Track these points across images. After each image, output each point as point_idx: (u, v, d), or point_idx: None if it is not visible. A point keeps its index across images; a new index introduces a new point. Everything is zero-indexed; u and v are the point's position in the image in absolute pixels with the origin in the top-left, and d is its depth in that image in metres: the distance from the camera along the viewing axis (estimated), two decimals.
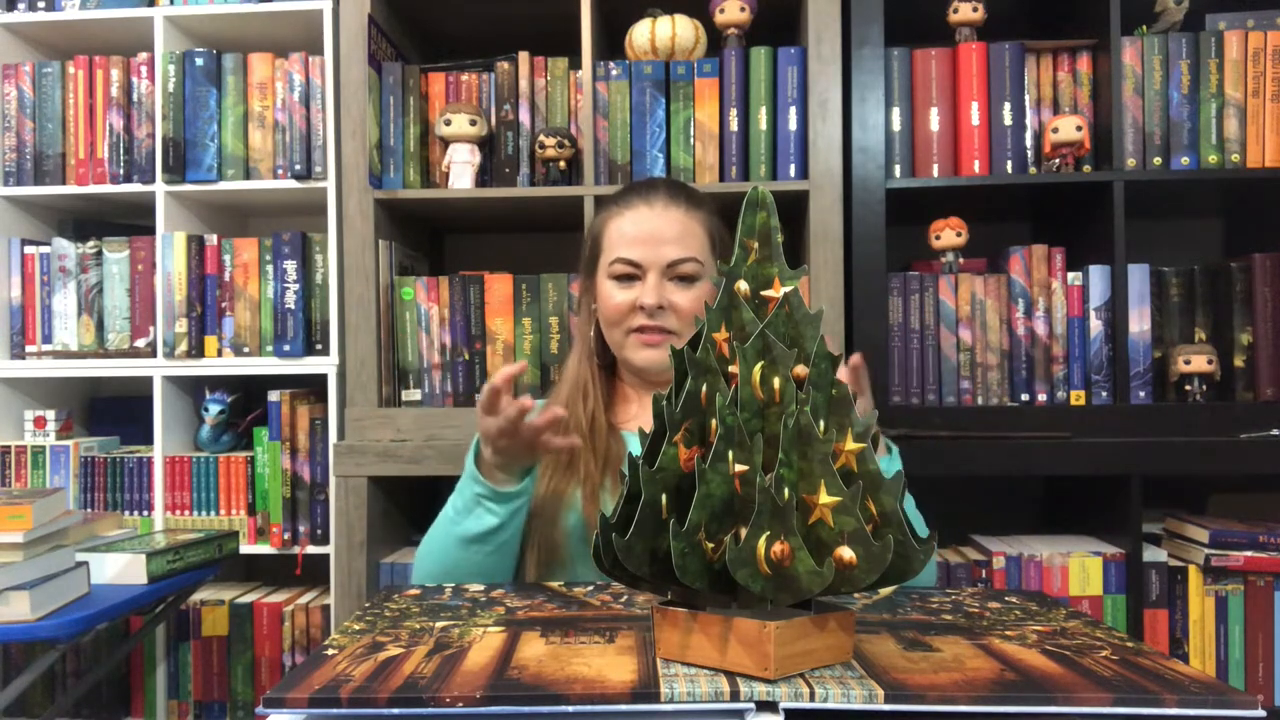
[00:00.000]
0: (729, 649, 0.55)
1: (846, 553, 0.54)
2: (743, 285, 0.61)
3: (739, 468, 0.56)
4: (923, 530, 0.83)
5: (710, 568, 0.56)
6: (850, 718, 0.52)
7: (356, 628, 0.68)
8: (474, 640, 0.63)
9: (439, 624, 0.69)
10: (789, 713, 0.52)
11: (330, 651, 0.62)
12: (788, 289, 0.60)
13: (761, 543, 0.54)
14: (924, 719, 0.51)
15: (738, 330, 0.60)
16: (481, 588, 0.85)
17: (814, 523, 0.55)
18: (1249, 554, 1.44)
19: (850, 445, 0.56)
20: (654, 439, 0.60)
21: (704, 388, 0.59)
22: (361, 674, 0.56)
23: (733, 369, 0.58)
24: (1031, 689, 0.52)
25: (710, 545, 0.56)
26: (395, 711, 0.52)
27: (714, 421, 0.57)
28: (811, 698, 0.52)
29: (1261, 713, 0.51)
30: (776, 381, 0.57)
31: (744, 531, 0.55)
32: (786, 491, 0.54)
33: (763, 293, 0.61)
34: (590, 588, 0.82)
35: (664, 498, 0.57)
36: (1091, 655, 0.60)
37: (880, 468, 0.57)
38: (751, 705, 0.52)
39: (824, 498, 0.54)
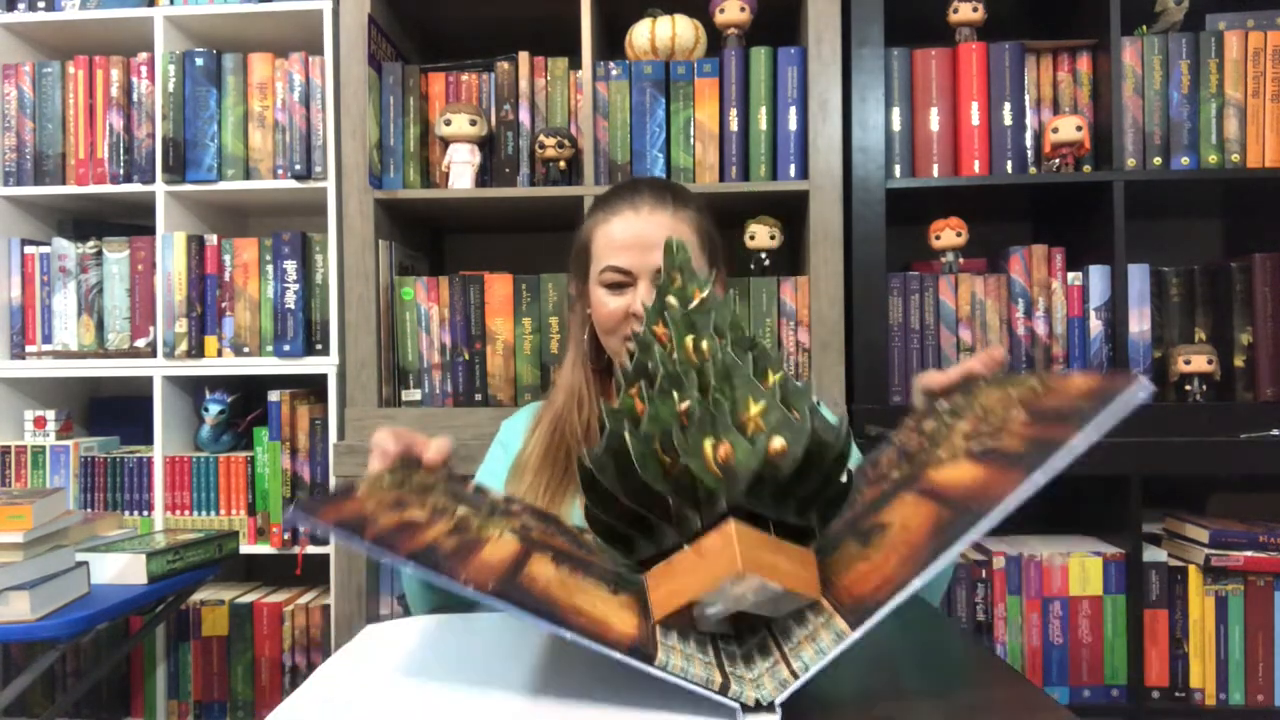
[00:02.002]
0: (701, 567, 0.57)
1: (777, 441, 0.59)
2: (671, 300, 0.74)
3: (682, 405, 0.62)
4: None
5: (668, 477, 0.61)
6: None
7: (386, 482, 0.69)
8: (490, 538, 0.63)
9: (460, 510, 0.68)
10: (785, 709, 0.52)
11: (360, 493, 0.63)
12: (704, 294, 0.74)
13: (707, 444, 0.59)
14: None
15: (671, 319, 0.72)
16: (502, 495, 0.84)
17: (751, 434, 0.61)
18: (1249, 554, 1.44)
19: (771, 376, 0.65)
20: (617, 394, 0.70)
21: (649, 360, 0.69)
22: (386, 524, 0.57)
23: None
24: (960, 517, 0.51)
25: (666, 459, 0.61)
26: (409, 569, 0.52)
27: (659, 374, 0.65)
28: (794, 675, 0.52)
29: (1145, 391, 0.51)
30: (705, 344, 0.67)
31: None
32: (722, 407, 0.61)
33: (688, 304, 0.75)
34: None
35: (626, 432, 0.62)
36: (1008, 430, 0.58)
37: (798, 388, 0.64)
38: (737, 706, 0.51)
39: (752, 409, 0.61)
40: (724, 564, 0.55)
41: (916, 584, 0.49)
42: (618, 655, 0.51)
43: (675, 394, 0.63)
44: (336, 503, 0.58)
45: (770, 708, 0.52)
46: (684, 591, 0.57)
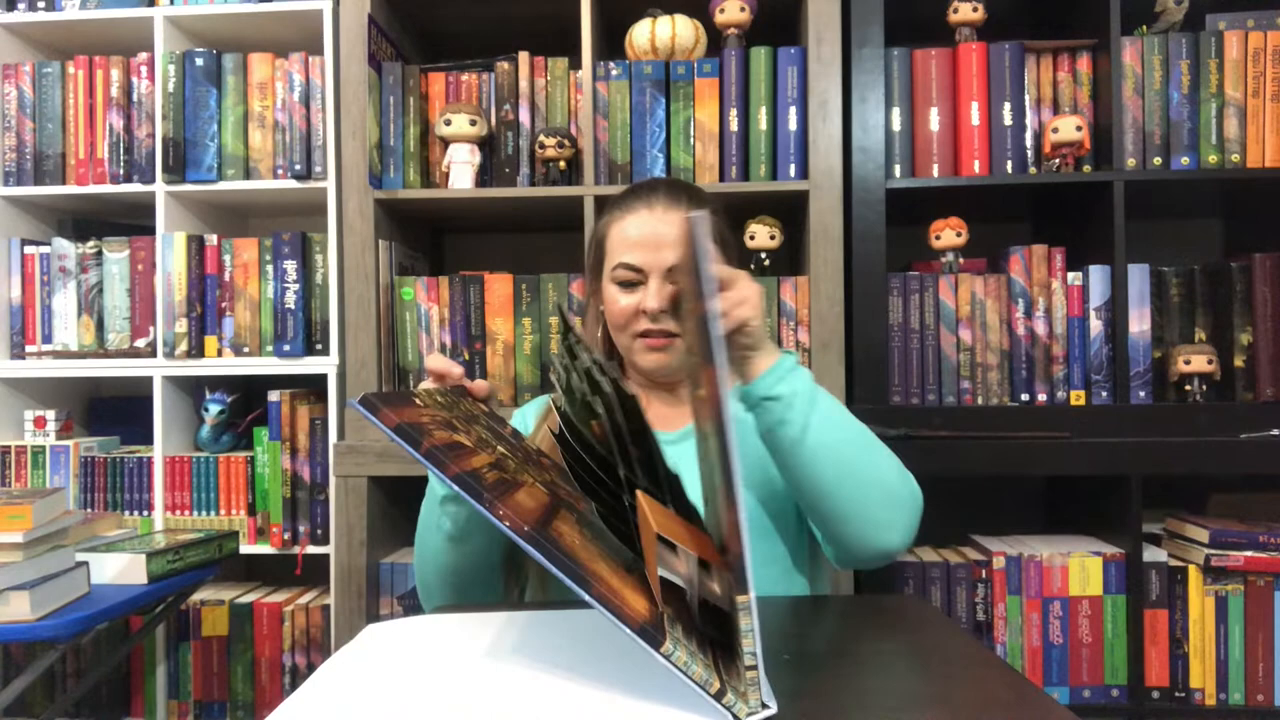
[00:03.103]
0: (647, 538, 0.59)
1: (594, 424, 0.68)
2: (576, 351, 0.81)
3: (594, 423, 0.70)
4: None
5: (594, 444, 0.67)
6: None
7: (440, 399, 0.70)
8: (525, 483, 0.64)
9: (500, 448, 0.69)
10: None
11: (417, 402, 0.63)
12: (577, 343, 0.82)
13: (593, 425, 0.69)
14: None
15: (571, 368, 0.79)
16: (535, 447, 0.86)
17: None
18: (1249, 554, 1.44)
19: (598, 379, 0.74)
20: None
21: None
22: (440, 439, 0.57)
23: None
24: (719, 426, 0.53)
25: (587, 432, 0.67)
26: (456, 487, 0.53)
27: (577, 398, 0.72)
28: (752, 668, 0.51)
29: (703, 216, 0.59)
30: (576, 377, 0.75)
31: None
32: (589, 409, 0.68)
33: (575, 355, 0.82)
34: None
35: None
36: (692, 318, 0.68)
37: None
38: (730, 716, 0.51)
39: (598, 406, 0.68)
40: (648, 534, 0.57)
41: (741, 516, 0.50)
42: (629, 631, 0.51)
43: (586, 414, 0.72)
44: (397, 405, 0.58)
45: (763, 707, 0.52)
46: (650, 565, 0.59)
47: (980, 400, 1.52)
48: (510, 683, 0.60)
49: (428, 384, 0.85)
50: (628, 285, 1.05)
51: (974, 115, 1.53)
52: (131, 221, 1.91)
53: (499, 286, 1.57)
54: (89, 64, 1.78)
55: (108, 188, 1.76)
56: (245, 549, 1.70)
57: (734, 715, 0.51)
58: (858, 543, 0.90)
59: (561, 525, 0.59)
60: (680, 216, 1.07)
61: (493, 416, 0.82)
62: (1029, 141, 1.56)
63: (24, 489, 1.70)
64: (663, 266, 1.04)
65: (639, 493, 0.60)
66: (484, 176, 1.62)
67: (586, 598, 0.51)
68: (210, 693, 1.72)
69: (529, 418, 1.18)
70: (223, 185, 1.73)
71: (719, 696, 0.52)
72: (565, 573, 0.51)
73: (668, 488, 0.64)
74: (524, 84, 1.61)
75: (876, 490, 0.89)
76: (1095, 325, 1.51)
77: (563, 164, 1.56)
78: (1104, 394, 1.50)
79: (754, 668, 0.52)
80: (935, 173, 1.54)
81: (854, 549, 0.91)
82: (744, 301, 0.86)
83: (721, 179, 1.55)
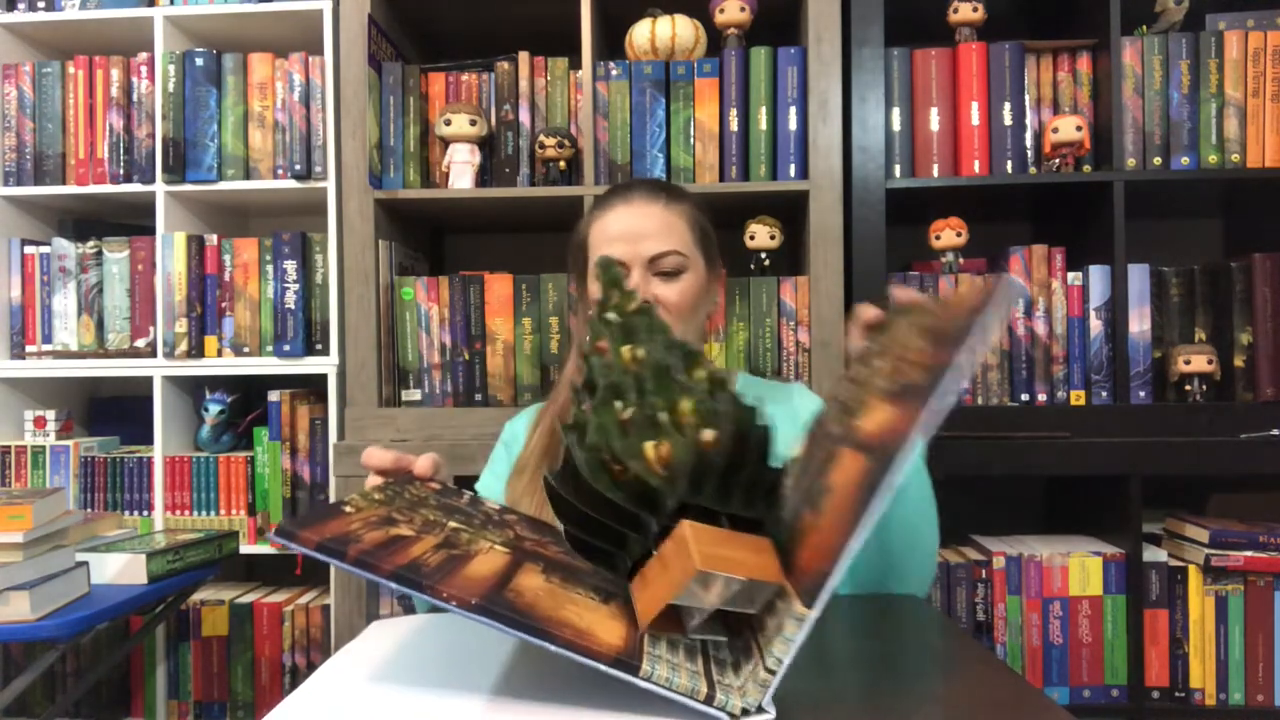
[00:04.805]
0: (665, 571, 0.58)
1: (707, 433, 0.60)
2: (611, 315, 0.75)
3: (625, 414, 0.63)
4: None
5: (619, 484, 0.62)
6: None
7: (377, 497, 0.69)
8: (479, 551, 0.63)
9: (451, 524, 0.68)
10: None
11: (348, 509, 0.62)
12: (637, 303, 0.77)
13: (648, 446, 0.61)
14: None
15: (610, 332, 0.74)
16: (497, 506, 0.84)
17: (684, 429, 0.63)
18: (1249, 554, 1.44)
19: (698, 373, 0.66)
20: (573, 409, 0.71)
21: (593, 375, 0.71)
22: (371, 541, 0.56)
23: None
24: (879, 463, 0.49)
25: (616, 467, 0.62)
26: (392, 586, 0.52)
27: (600, 384, 0.67)
28: (772, 672, 0.51)
29: (1018, 285, 0.50)
30: (640, 353, 0.69)
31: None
32: (657, 408, 0.62)
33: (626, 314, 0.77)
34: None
35: (574, 445, 0.64)
36: (914, 361, 0.57)
37: (720, 379, 0.66)
38: (724, 716, 0.51)
39: (684, 405, 0.62)
40: (684, 566, 0.56)
41: (854, 545, 0.48)
42: (601, 667, 0.51)
43: (616, 403, 0.65)
44: (320, 521, 0.57)
45: (759, 710, 0.52)
46: (657, 598, 0.57)
47: (980, 400, 1.52)
48: (513, 682, 0.60)
49: (373, 479, 0.80)
50: None
51: (974, 115, 1.53)
52: (131, 221, 1.91)
53: (499, 286, 1.57)
54: (89, 64, 1.78)
55: (108, 188, 1.76)
56: (245, 549, 1.70)
57: (728, 714, 0.51)
58: (879, 584, 0.92)
59: (524, 580, 0.59)
60: (659, 208, 1.07)
61: (444, 491, 0.80)
62: (1029, 141, 1.56)
63: (24, 489, 1.70)
64: (644, 257, 1.04)
65: (686, 524, 0.58)
66: (484, 176, 1.62)
67: (552, 649, 0.51)
68: (210, 693, 1.72)
69: (519, 429, 1.18)
70: (223, 185, 1.73)
71: (709, 700, 0.52)
72: (523, 631, 0.51)
73: (763, 499, 0.63)
74: (524, 84, 1.61)
75: (922, 546, 0.93)
76: (1095, 325, 1.51)
77: (563, 164, 1.56)
78: (1104, 394, 1.50)
79: (773, 672, 0.51)
80: (935, 173, 1.54)
81: (872, 586, 0.93)
82: None
83: (721, 179, 1.55)
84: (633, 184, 1.12)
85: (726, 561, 0.56)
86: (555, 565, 0.66)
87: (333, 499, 1.64)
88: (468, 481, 1.24)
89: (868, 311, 0.79)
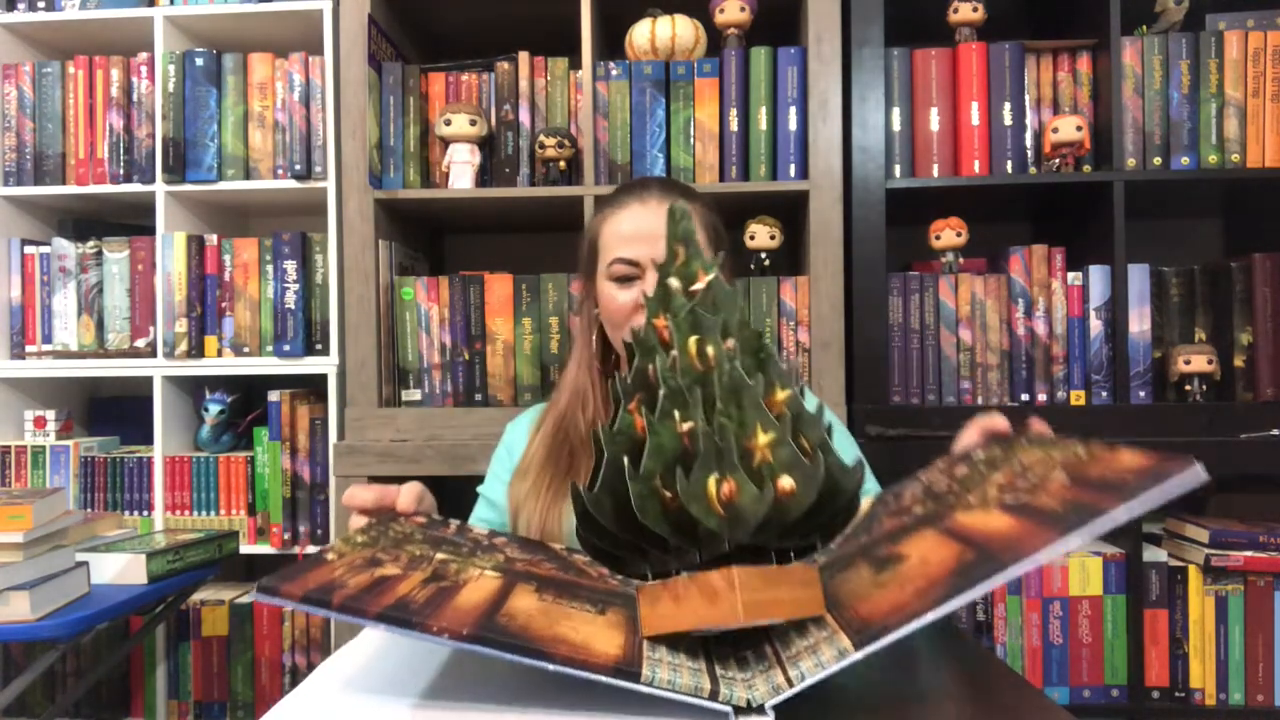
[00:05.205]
0: (700, 606, 0.57)
1: (786, 481, 0.57)
2: (674, 282, 0.67)
3: (684, 425, 0.60)
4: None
5: (669, 515, 0.59)
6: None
7: (360, 539, 0.68)
8: (469, 579, 0.63)
9: (439, 555, 0.68)
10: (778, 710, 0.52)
11: (330, 557, 0.62)
12: (710, 277, 0.67)
13: (710, 482, 0.57)
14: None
15: (673, 314, 0.66)
16: (485, 530, 0.84)
17: (757, 465, 0.59)
18: (1249, 554, 1.44)
19: (780, 395, 0.61)
20: (614, 410, 0.65)
21: (650, 365, 0.64)
22: (356, 585, 0.56)
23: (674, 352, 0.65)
24: (986, 562, 0.52)
25: (667, 494, 0.59)
26: (381, 627, 0.52)
27: (660, 391, 0.62)
28: (789, 683, 0.52)
29: (1202, 475, 0.50)
30: (710, 350, 0.63)
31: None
32: (727, 435, 0.58)
33: (691, 287, 0.68)
34: (589, 557, 0.81)
35: (625, 459, 0.60)
36: (1046, 489, 0.58)
37: (808, 409, 0.62)
38: (729, 709, 0.51)
39: (760, 438, 0.59)
40: (725, 608, 0.55)
41: (930, 617, 0.51)
42: (601, 678, 0.51)
43: (677, 414, 0.60)
44: (302, 574, 0.57)
45: (760, 709, 0.52)
46: (679, 621, 0.57)
47: (980, 400, 1.52)
48: (513, 682, 0.59)
49: (356, 520, 0.79)
50: (624, 280, 1.05)
51: (974, 115, 1.53)
52: (131, 221, 1.91)
53: (499, 286, 1.57)
54: (89, 64, 1.78)
55: (108, 188, 1.76)
56: (245, 549, 1.70)
57: (732, 706, 0.52)
58: None
59: (517, 602, 0.59)
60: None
61: (430, 524, 0.79)
62: (1029, 141, 1.56)
63: (24, 489, 1.70)
64: (660, 258, 1.03)
65: (735, 571, 0.56)
66: (484, 176, 1.62)
67: (550, 668, 0.51)
68: (210, 693, 1.72)
69: (523, 425, 1.17)
70: (223, 185, 1.73)
71: (713, 696, 0.52)
72: (517, 654, 0.52)
73: (824, 538, 0.62)
74: (524, 84, 1.61)
75: None
76: (1095, 325, 1.51)
77: (563, 164, 1.56)
78: (1104, 394, 1.50)
79: (792, 684, 0.52)
80: (935, 173, 1.54)
81: None
82: None
83: (721, 179, 1.55)
84: (647, 182, 1.11)
85: (770, 605, 0.56)
86: (549, 583, 0.66)
87: (333, 499, 1.64)
88: (468, 482, 1.24)
89: (999, 422, 0.79)
